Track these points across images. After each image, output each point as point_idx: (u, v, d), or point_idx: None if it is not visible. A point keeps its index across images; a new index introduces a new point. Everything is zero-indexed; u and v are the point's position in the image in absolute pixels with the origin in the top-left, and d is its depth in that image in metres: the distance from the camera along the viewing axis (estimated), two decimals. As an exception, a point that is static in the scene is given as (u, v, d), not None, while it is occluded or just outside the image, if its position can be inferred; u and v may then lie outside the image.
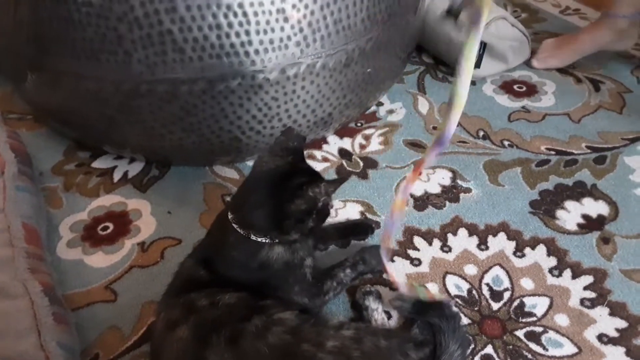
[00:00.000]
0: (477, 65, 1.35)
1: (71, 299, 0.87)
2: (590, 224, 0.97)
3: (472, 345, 0.78)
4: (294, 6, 0.87)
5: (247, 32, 0.86)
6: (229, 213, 0.76)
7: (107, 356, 0.79)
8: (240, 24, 0.85)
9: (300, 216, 0.72)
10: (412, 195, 1.04)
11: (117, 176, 1.13)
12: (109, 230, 1.00)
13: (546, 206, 1.00)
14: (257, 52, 0.88)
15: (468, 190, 1.05)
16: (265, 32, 0.87)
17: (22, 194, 0.97)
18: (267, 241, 0.73)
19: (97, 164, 1.16)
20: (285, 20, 0.87)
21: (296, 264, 0.76)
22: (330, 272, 0.83)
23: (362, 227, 0.96)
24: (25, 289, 0.78)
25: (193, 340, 0.63)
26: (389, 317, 0.82)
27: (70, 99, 1.00)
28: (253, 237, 0.73)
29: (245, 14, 0.84)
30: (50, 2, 0.87)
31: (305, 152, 0.80)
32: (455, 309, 0.81)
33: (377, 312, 0.80)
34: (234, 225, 0.74)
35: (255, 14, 0.85)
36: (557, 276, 0.87)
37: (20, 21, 0.93)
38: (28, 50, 0.96)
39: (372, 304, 0.81)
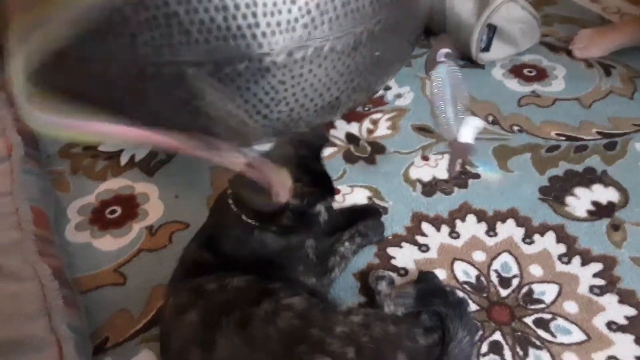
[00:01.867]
0: (487, 48, 1.34)
1: (80, 282, 0.87)
2: (600, 210, 0.96)
3: (480, 332, 0.78)
4: (302, -12, 0.85)
5: (254, 14, 0.84)
6: (229, 189, 0.75)
7: (116, 339, 0.79)
8: (247, 6, 0.83)
9: (270, 209, 0.69)
10: (420, 181, 1.03)
11: (124, 160, 1.12)
12: (116, 214, 1.00)
13: (556, 192, 1.00)
14: (264, 34, 0.86)
15: (477, 175, 1.04)
16: (272, 13, 0.85)
17: (30, 176, 0.97)
18: (256, 224, 0.73)
19: (104, 147, 1.16)
20: (293, 1, 0.86)
21: (295, 245, 0.76)
22: (331, 248, 0.83)
23: (369, 213, 0.95)
24: (34, 272, 0.78)
25: (202, 324, 0.64)
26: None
27: (75, 81, 0.99)
28: (244, 218, 0.72)
29: (252, -5, 0.83)
30: (55, -18, 0.86)
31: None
32: (461, 295, 0.81)
33: (390, 298, 0.79)
34: (229, 202, 0.74)
35: (263, -5, 0.83)
36: (566, 263, 0.87)
37: (25, 2, 0.92)
38: (33, 32, 0.95)
39: (384, 289, 0.81)
